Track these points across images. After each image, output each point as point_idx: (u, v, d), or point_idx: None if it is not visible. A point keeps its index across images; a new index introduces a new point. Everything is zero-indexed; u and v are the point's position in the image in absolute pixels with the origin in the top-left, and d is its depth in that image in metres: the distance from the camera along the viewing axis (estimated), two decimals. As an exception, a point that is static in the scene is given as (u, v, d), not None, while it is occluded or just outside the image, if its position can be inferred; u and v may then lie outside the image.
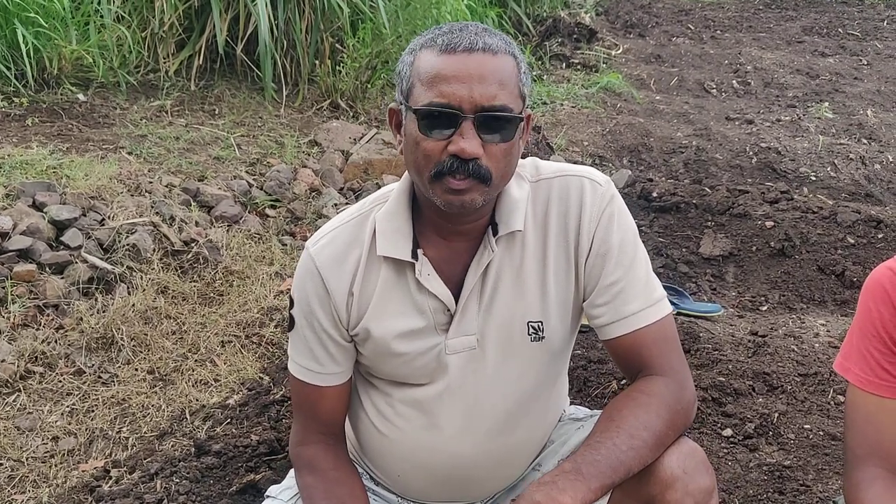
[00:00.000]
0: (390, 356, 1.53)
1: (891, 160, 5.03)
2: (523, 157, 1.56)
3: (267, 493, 1.73)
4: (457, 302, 1.49)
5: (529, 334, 1.52)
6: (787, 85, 6.47)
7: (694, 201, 3.93)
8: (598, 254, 1.48)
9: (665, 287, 3.26)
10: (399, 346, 1.51)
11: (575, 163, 4.67)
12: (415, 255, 1.48)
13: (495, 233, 1.47)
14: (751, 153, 5.03)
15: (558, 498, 1.30)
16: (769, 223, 3.71)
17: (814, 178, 4.80)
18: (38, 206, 3.45)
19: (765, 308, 3.32)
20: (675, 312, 3.07)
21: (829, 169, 4.88)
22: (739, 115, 5.76)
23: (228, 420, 2.38)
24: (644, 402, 1.44)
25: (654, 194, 4.04)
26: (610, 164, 4.80)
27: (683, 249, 3.66)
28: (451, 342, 1.51)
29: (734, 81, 6.58)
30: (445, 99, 1.35)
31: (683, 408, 1.46)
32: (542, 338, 1.52)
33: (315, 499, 1.56)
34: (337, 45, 5.19)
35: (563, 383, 1.70)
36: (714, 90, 6.45)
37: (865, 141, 5.36)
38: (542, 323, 1.52)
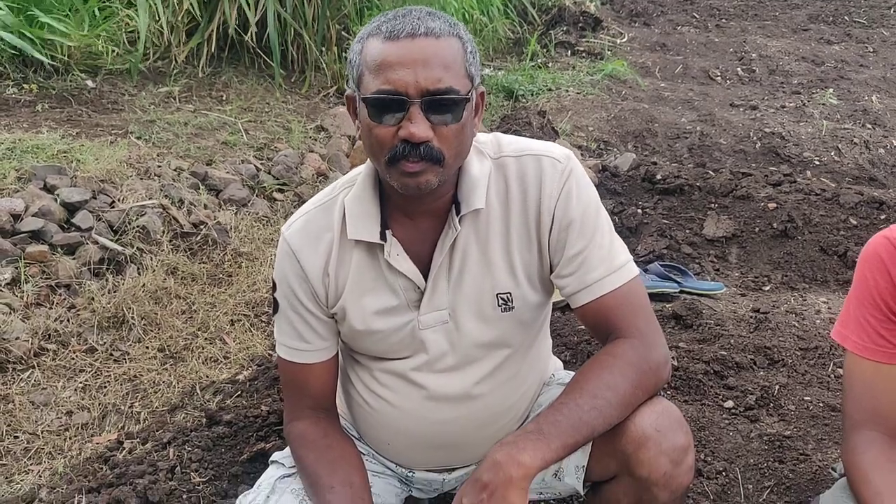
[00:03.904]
0: (367, 333, 1.59)
1: (895, 144, 5.05)
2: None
3: (271, 459, 1.79)
4: (426, 279, 1.55)
5: (499, 305, 1.57)
6: (792, 72, 6.48)
7: (697, 184, 3.96)
8: (560, 228, 1.53)
9: (668, 266, 3.31)
10: (374, 324, 1.58)
11: (579, 147, 4.72)
12: (383, 237, 1.53)
13: (458, 211, 1.52)
14: (755, 138, 5.06)
15: (518, 457, 1.35)
16: (772, 205, 3.73)
17: (817, 163, 4.82)
18: (49, 189, 3.50)
19: (767, 288, 3.36)
20: (678, 291, 3.10)
21: (832, 153, 4.90)
22: (744, 102, 5.78)
23: (238, 393, 2.42)
24: (609, 363, 1.48)
25: (659, 177, 4.07)
26: (614, 149, 4.83)
27: (687, 231, 3.69)
28: (424, 318, 1.57)
29: (739, 69, 6.60)
30: (391, 85, 1.38)
31: (651, 367, 1.49)
32: (512, 308, 1.58)
33: (308, 467, 1.62)
34: (343, 33, 5.22)
35: (541, 348, 1.75)
36: (719, 78, 6.47)
37: (870, 126, 5.37)
38: (510, 294, 1.57)
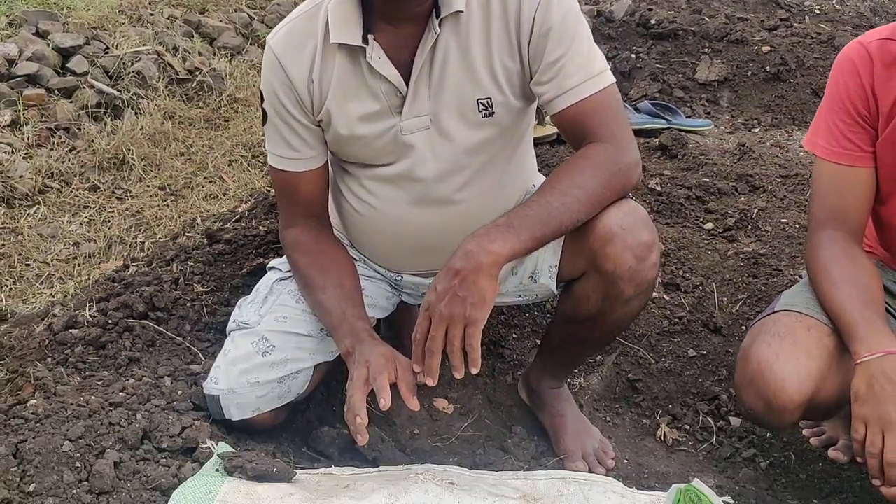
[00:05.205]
0: (352, 139, 1.65)
1: (898, -7, 4.97)
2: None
3: (269, 265, 1.89)
4: (407, 84, 1.59)
5: (480, 111, 1.62)
6: (799, -78, 6.28)
7: (692, 29, 3.93)
8: (539, 34, 1.56)
9: (658, 105, 3.35)
10: (358, 130, 1.63)
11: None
12: (365, 40, 1.56)
13: (438, 14, 1.55)
14: (755, -13, 4.96)
15: (488, 246, 1.44)
16: (766, 48, 3.73)
17: (818, 11, 4.74)
18: (41, 35, 3.51)
19: (757, 129, 3.40)
20: (666, 127, 3.15)
21: (834, 2, 4.82)
22: (747, -47, 5.64)
23: (237, 219, 2.52)
24: (580, 164, 1.54)
25: (653, 21, 4.03)
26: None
27: (679, 75, 3.70)
28: (406, 123, 1.62)
29: (745, -81, 6.39)
30: None
31: (621, 169, 1.55)
32: (492, 113, 1.62)
33: (302, 270, 1.73)
34: None
35: (524, 159, 1.81)
36: (723, -72, 6.27)
37: (875, -25, 5.26)
38: (490, 99, 1.61)
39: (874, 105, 1.62)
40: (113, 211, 2.89)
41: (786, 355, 1.55)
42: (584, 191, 1.52)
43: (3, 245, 2.65)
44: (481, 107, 1.63)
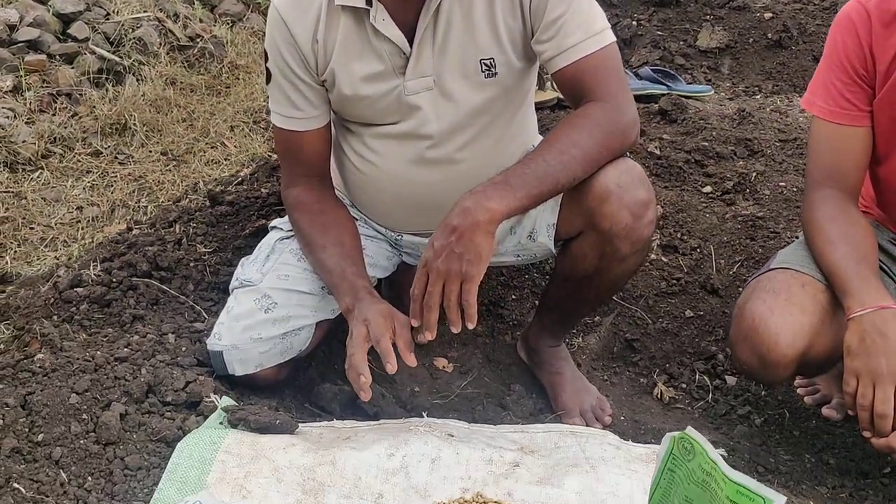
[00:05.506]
0: (356, 99, 1.67)
1: (901, -39, 4.93)
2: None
3: (271, 225, 1.91)
4: (411, 45, 1.60)
5: (483, 71, 1.63)
6: None
7: (694, -5, 3.92)
8: None
9: (658, 71, 3.35)
10: (362, 90, 1.65)
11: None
12: (369, 2, 1.57)
13: None
14: (758, -45, 4.93)
15: (485, 203, 1.46)
16: (768, 15, 3.72)
17: (821, -20, 4.72)
18: (41, 0, 3.50)
19: (758, 96, 3.40)
20: (665, 92, 3.16)
21: (837, -31, 4.80)
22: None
23: (240, 182, 2.54)
24: (577, 123, 1.56)
25: (655, -12, 4.02)
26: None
27: (681, 42, 3.69)
28: (409, 84, 1.63)
29: None
30: None
31: (619, 129, 1.57)
32: (495, 73, 1.64)
33: (303, 229, 1.75)
34: None
35: (525, 120, 1.82)
36: None
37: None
38: (493, 59, 1.63)
39: (872, 64, 1.63)
40: (115, 176, 2.91)
41: (780, 311, 1.58)
42: (581, 149, 1.54)
43: (8, 209, 2.67)
44: (484, 67, 1.64)
